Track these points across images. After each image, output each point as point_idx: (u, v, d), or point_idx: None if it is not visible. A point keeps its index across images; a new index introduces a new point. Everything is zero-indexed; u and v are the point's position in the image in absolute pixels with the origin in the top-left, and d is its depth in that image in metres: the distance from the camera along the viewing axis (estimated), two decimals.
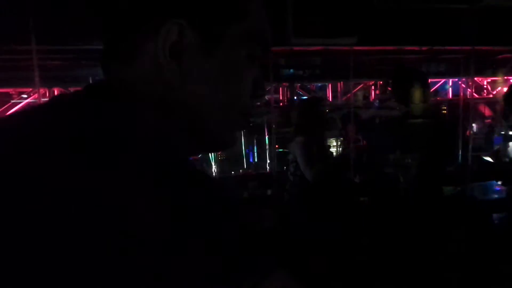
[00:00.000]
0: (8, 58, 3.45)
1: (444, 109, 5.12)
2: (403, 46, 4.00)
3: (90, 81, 3.74)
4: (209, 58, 0.45)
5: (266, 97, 4.91)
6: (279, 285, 0.47)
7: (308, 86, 5.01)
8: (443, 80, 5.57)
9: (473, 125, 3.45)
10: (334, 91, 5.07)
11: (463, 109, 4.13)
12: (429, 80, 5.51)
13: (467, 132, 3.60)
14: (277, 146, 3.78)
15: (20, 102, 4.64)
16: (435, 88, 5.71)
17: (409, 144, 2.73)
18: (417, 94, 2.60)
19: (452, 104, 5.13)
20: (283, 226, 2.51)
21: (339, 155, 3.60)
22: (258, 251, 0.50)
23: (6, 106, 4.71)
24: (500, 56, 5.15)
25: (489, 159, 2.85)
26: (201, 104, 0.46)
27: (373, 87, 5.28)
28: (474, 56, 4.29)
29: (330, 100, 4.96)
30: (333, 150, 3.83)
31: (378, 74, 4.35)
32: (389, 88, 4.49)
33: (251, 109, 0.52)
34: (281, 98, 4.79)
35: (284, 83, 4.53)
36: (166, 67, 0.44)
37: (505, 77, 5.56)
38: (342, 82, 5.01)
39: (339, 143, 4.10)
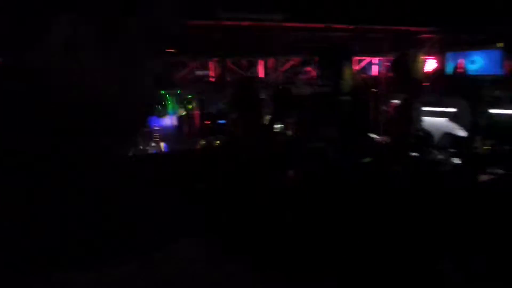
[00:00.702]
0: None
1: (371, 86, 5.38)
2: (331, 24, 4.12)
3: None
4: (107, 50, 0.47)
5: (197, 73, 4.86)
6: (188, 251, 0.47)
7: (240, 62, 4.99)
8: (369, 58, 5.82)
9: (395, 101, 3.67)
10: (265, 68, 5.11)
11: (385, 86, 4.37)
12: (356, 58, 5.75)
13: (386, 108, 3.82)
14: (208, 121, 3.77)
15: None
16: (362, 66, 5.96)
17: (337, 119, 2.86)
18: (342, 72, 2.70)
19: (377, 81, 5.40)
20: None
21: (271, 130, 3.67)
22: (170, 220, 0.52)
23: None
24: (420, 36, 5.49)
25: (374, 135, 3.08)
26: (100, 93, 0.48)
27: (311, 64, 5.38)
28: (396, 36, 4.55)
29: (262, 76, 5.00)
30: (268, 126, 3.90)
31: (308, 51, 4.45)
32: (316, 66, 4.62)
33: (154, 98, 0.57)
34: (212, 74, 4.74)
35: (215, 59, 4.49)
36: (61, 59, 0.46)
37: (425, 57, 5.94)
38: (273, 59, 5.05)
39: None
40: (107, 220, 0.45)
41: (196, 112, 3.91)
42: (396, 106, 3.06)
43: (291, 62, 5.12)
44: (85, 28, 0.46)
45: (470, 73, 5.18)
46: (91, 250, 0.42)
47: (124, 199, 0.51)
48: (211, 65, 4.65)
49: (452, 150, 3.08)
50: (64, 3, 0.45)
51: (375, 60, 5.84)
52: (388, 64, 5.61)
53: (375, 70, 5.86)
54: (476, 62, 5.35)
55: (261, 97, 3.23)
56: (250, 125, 2.82)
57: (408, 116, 2.61)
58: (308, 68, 5.07)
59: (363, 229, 2.16)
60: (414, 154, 2.98)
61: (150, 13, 0.50)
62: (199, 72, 4.77)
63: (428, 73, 4.92)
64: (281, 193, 2.65)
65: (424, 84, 3.23)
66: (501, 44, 4.87)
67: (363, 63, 5.87)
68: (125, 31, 0.48)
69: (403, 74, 2.76)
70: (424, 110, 3.04)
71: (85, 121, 0.50)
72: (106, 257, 0.42)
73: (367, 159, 2.57)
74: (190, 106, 4.13)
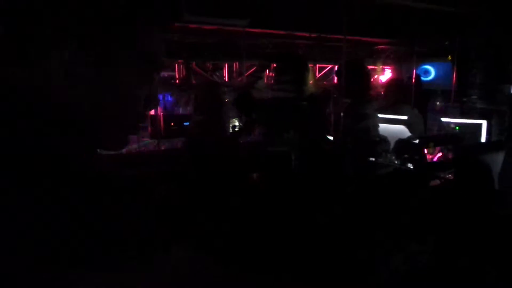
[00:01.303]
0: None
1: (330, 92, 5.53)
2: (293, 32, 4.22)
3: None
4: (102, 75, 0.53)
5: (162, 74, 4.82)
6: (178, 257, 0.51)
7: (205, 65, 5.00)
8: (330, 66, 6.01)
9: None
10: (230, 71, 5.15)
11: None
12: (318, 65, 5.90)
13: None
14: (172, 123, 3.78)
15: None
16: (324, 73, 6.14)
17: (297, 123, 2.94)
18: (300, 78, 2.79)
19: (337, 88, 5.55)
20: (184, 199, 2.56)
21: (236, 133, 3.72)
22: (157, 227, 0.54)
23: None
24: (377, 47, 5.73)
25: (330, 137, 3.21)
26: (93, 112, 0.54)
27: (267, 69, 5.48)
28: (354, 45, 4.74)
29: (227, 80, 5.04)
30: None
31: (269, 57, 4.54)
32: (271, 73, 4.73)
33: (142, 119, 0.61)
34: (176, 76, 4.72)
35: (179, 60, 4.48)
36: (60, 80, 0.51)
37: (382, 66, 6.20)
38: (237, 63, 5.10)
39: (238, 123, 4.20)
40: (92, 223, 0.45)
41: (161, 114, 3.90)
42: (344, 111, 3.18)
43: (255, 67, 5.19)
44: (84, 56, 0.51)
45: (423, 83, 5.47)
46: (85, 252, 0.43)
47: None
48: (176, 66, 4.63)
49: (405, 155, 3.25)
50: (65, 32, 0.50)
51: (336, 68, 6.01)
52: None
53: (335, 77, 6.04)
54: (429, 73, 5.66)
55: (225, 100, 3.25)
56: (213, 127, 2.85)
57: (351, 120, 2.75)
58: (271, 73, 5.15)
59: (325, 232, 2.23)
60: (371, 159, 3.11)
61: (146, 46, 0.56)
62: (165, 74, 4.74)
63: (383, 82, 5.15)
64: (244, 196, 2.69)
65: (377, 92, 3.38)
66: (449, 57, 5.17)
67: (324, 71, 6.06)
68: (121, 60, 0.54)
69: (347, 80, 2.90)
70: (380, 117, 3.18)
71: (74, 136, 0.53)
72: (99, 259, 0.43)
73: (327, 163, 2.67)
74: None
